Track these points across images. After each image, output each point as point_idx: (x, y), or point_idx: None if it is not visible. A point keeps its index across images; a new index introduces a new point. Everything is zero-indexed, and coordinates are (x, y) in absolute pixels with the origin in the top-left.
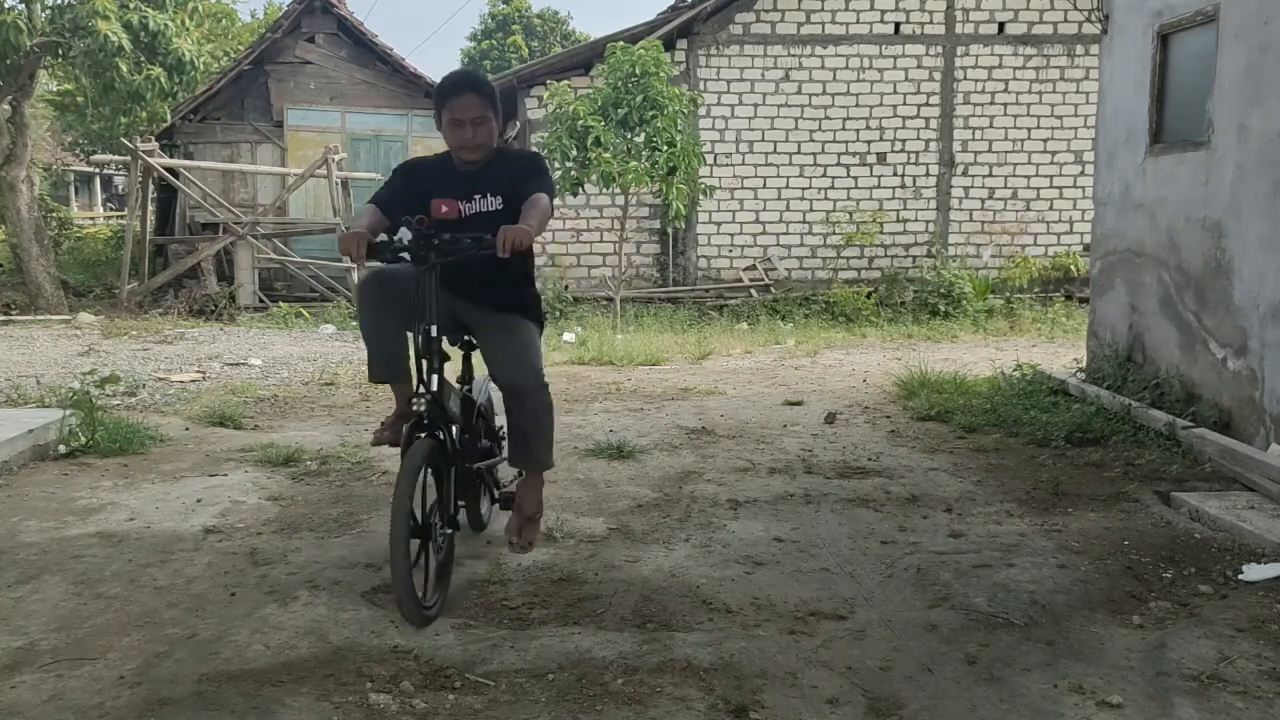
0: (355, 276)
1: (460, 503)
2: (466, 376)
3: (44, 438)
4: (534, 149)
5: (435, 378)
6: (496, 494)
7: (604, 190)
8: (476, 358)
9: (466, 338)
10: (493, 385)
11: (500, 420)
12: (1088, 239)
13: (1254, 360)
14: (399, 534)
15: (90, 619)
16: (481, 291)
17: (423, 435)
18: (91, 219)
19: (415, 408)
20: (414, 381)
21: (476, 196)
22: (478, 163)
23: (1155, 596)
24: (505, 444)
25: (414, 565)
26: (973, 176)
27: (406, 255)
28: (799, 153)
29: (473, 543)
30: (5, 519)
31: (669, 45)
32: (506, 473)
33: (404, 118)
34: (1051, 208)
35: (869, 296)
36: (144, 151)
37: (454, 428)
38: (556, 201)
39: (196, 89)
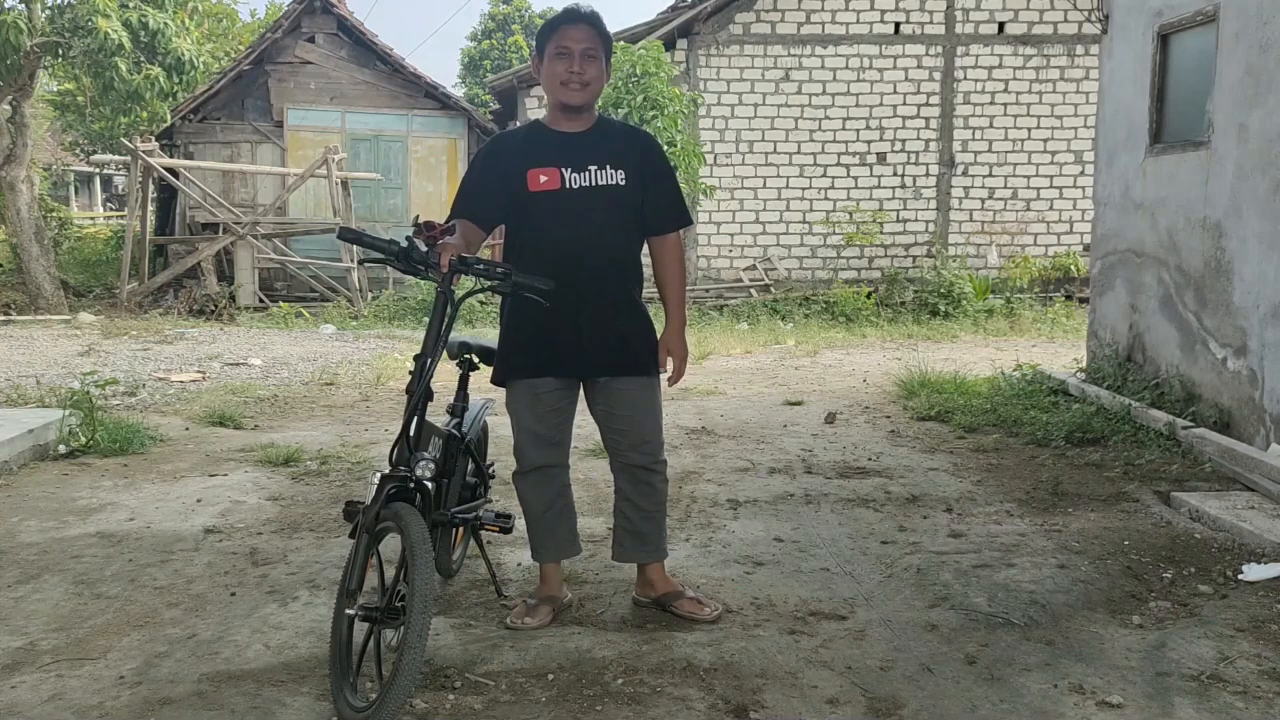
0: (354, 276)
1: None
2: (459, 406)
3: (44, 438)
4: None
5: (415, 420)
6: (483, 542)
7: None
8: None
9: (468, 356)
10: (489, 411)
11: (492, 458)
12: (1088, 239)
13: (1254, 360)
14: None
15: (90, 619)
16: (608, 329)
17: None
18: (91, 219)
19: (418, 471)
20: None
21: (592, 167)
22: (581, 114)
23: (1155, 596)
24: (490, 480)
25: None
26: (973, 176)
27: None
28: (799, 153)
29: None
30: (5, 519)
31: (669, 45)
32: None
33: (404, 118)
34: (1051, 208)
35: (869, 296)
36: (144, 151)
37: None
38: None
39: (196, 89)
